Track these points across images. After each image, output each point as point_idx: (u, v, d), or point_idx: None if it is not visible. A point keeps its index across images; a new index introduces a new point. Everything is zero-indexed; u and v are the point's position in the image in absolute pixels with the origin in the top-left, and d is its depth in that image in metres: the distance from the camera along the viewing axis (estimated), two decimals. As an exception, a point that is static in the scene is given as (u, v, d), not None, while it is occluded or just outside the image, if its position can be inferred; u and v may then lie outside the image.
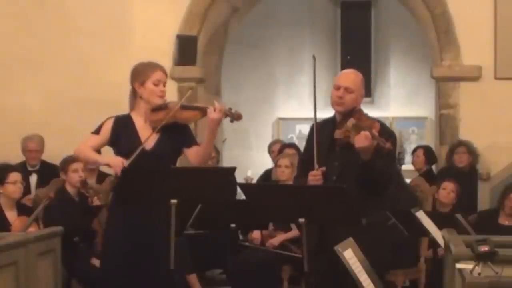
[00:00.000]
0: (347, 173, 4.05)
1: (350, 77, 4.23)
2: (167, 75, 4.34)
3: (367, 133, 3.89)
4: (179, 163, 4.48)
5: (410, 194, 6.48)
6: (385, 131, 4.03)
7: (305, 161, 4.31)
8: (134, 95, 4.29)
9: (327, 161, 4.13)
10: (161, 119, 4.17)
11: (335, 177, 4.10)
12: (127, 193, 3.95)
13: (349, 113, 4.10)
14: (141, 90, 4.23)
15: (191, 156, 4.28)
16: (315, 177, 4.09)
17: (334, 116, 4.26)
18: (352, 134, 3.95)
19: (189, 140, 4.30)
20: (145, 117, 4.24)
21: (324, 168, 4.10)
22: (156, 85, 4.22)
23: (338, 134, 4.07)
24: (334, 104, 4.21)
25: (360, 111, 4.13)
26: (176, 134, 4.23)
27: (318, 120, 4.32)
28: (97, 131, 4.28)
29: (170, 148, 4.23)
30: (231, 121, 4.29)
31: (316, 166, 4.10)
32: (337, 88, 4.18)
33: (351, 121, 4.00)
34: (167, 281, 4.07)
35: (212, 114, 4.13)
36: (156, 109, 4.23)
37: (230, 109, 4.26)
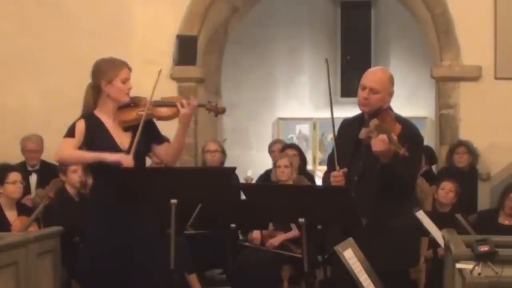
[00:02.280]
0: (369, 174, 3.96)
1: (376, 76, 4.08)
2: (131, 71, 4.15)
3: (384, 136, 3.76)
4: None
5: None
6: (406, 135, 3.87)
7: (332, 159, 4.18)
8: (97, 93, 4.12)
9: (352, 160, 4.04)
10: (135, 117, 4.04)
11: (357, 178, 4.01)
12: (128, 194, 3.93)
13: (375, 113, 3.97)
14: (108, 88, 4.07)
15: (162, 152, 4.17)
16: (336, 178, 3.99)
17: (362, 113, 4.12)
18: (374, 135, 3.83)
19: (160, 136, 4.18)
20: (113, 116, 4.09)
21: (345, 169, 4.01)
22: (124, 83, 4.08)
23: (362, 134, 3.95)
24: (359, 104, 4.08)
25: (386, 111, 3.97)
26: (146, 131, 4.07)
27: (345, 118, 4.25)
28: (71, 134, 4.09)
29: (143, 145, 4.10)
30: (215, 116, 4.24)
31: (337, 167, 4.02)
32: (363, 88, 4.04)
33: (374, 122, 3.86)
34: (167, 281, 4.06)
35: (182, 109, 4.04)
36: (124, 107, 4.09)
37: (210, 102, 4.19)
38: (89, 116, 4.10)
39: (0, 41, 8.04)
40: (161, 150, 4.17)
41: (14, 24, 8.05)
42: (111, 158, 3.95)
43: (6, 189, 5.69)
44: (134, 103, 4.10)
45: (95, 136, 4.04)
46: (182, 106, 4.04)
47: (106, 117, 4.09)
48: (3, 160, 6.47)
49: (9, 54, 8.02)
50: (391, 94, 4.10)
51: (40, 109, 7.96)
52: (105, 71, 4.11)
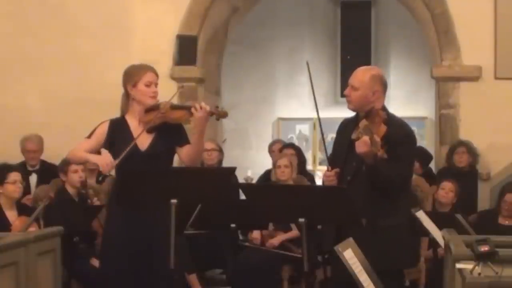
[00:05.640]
0: (361, 174, 4.01)
1: (357, 74, 4.19)
2: (158, 76, 4.36)
3: (366, 138, 3.84)
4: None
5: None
6: (390, 137, 3.91)
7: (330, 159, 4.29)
8: (127, 98, 4.33)
9: (346, 160, 4.10)
10: (152, 119, 4.21)
11: (350, 178, 4.07)
12: (128, 195, 3.94)
13: (367, 113, 4.03)
14: (133, 92, 4.28)
15: (182, 155, 4.30)
16: (328, 178, 4.10)
17: (357, 114, 4.19)
18: (361, 136, 3.90)
19: (182, 139, 4.31)
20: (139, 118, 4.28)
21: (338, 169, 4.09)
22: (147, 86, 4.26)
23: (354, 134, 4.00)
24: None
25: (377, 111, 4.01)
26: (170, 134, 4.25)
27: (345, 118, 4.34)
28: (89, 135, 4.32)
29: (164, 148, 4.25)
30: (217, 119, 4.34)
31: (329, 167, 4.12)
32: (347, 85, 4.19)
33: (363, 123, 3.94)
34: (167, 281, 4.07)
35: (196, 113, 4.16)
36: (149, 109, 4.26)
37: (217, 107, 4.31)
38: (117, 118, 4.34)
39: (0, 41, 8.04)
40: (182, 152, 4.30)
41: (14, 24, 8.05)
42: (93, 159, 4.27)
43: (6, 189, 5.69)
44: (158, 106, 4.26)
45: (117, 136, 4.25)
46: (196, 109, 4.16)
47: (133, 119, 4.30)
48: (3, 160, 6.47)
49: (9, 54, 8.02)
50: (375, 92, 4.12)
51: (40, 109, 7.96)
52: (130, 75, 4.31)
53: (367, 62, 11.04)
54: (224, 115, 4.24)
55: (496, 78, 7.63)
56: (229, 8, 8.60)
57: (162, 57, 7.67)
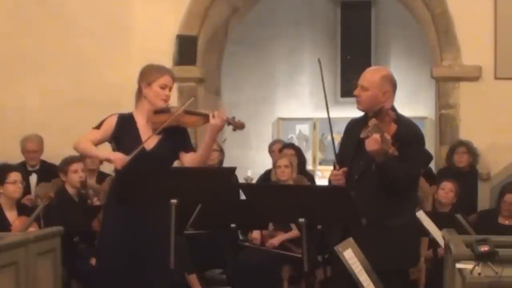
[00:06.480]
0: (369, 173, 4.00)
1: (367, 74, 4.17)
2: (174, 81, 4.38)
3: (377, 136, 3.82)
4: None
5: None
6: (400, 135, 3.92)
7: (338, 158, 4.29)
8: (139, 94, 4.33)
9: (354, 159, 4.10)
10: (163, 121, 4.22)
11: (357, 177, 4.07)
12: (128, 194, 3.94)
13: (377, 113, 4.03)
14: (146, 91, 4.28)
15: (187, 161, 4.31)
16: (336, 177, 4.09)
17: (366, 114, 4.18)
18: (371, 134, 3.88)
19: (187, 144, 4.34)
20: (147, 117, 4.28)
21: (345, 169, 4.09)
22: (162, 88, 4.28)
23: (363, 133, 3.99)
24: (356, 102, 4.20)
25: (386, 111, 4.02)
26: (176, 138, 4.27)
27: (352, 118, 4.33)
28: (97, 126, 4.32)
29: (169, 151, 4.27)
30: (234, 130, 4.35)
31: (337, 166, 4.11)
32: (357, 86, 4.17)
33: (372, 121, 3.93)
34: (167, 281, 4.07)
35: (212, 120, 4.18)
36: (159, 111, 4.27)
37: (234, 118, 4.33)
38: (125, 114, 4.33)
39: (0, 41, 8.04)
40: (186, 158, 4.31)
41: (14, 24, 8.05)
42: (102, 155, 4.24)
43: (6, 189, 5.68)
44: (168, 109, 4.29)
45: (124, 132, 4.26)
46: (213, 116, 4.19)
47: (140, 117, 4.30)
48: (3, 160, 6.47)
49: (9, 54, 8.01)
50: (385, 93, 4.12)
51: (40, 109, 7.96)
52: (147, 74, 4.32)
53: (367, 62, 11.04)
54: (241, 126, 4.30)
55: (496, 78, 7.63)
56: (229, 8, 8.60)
57: (162, 57, 7.62)
